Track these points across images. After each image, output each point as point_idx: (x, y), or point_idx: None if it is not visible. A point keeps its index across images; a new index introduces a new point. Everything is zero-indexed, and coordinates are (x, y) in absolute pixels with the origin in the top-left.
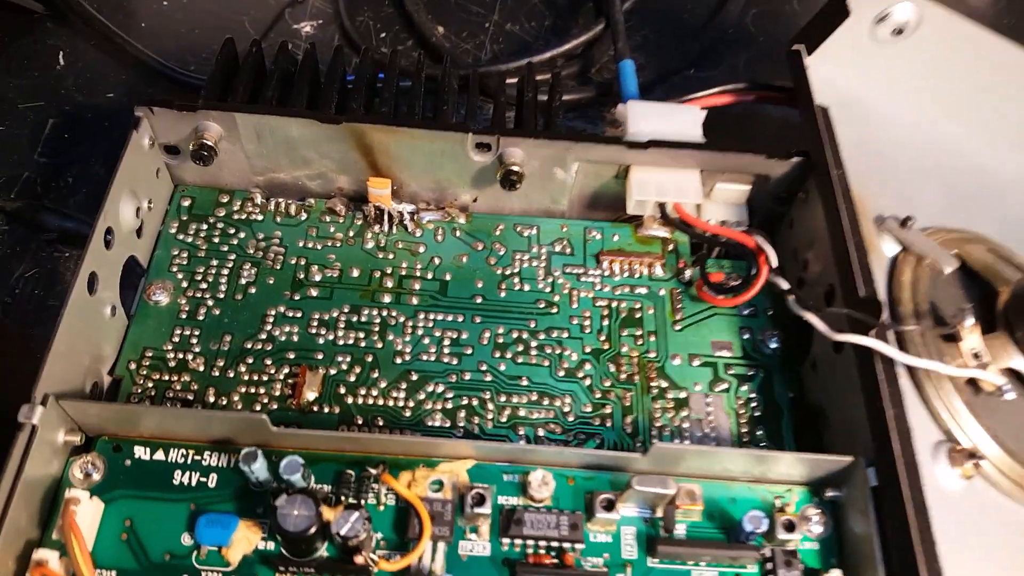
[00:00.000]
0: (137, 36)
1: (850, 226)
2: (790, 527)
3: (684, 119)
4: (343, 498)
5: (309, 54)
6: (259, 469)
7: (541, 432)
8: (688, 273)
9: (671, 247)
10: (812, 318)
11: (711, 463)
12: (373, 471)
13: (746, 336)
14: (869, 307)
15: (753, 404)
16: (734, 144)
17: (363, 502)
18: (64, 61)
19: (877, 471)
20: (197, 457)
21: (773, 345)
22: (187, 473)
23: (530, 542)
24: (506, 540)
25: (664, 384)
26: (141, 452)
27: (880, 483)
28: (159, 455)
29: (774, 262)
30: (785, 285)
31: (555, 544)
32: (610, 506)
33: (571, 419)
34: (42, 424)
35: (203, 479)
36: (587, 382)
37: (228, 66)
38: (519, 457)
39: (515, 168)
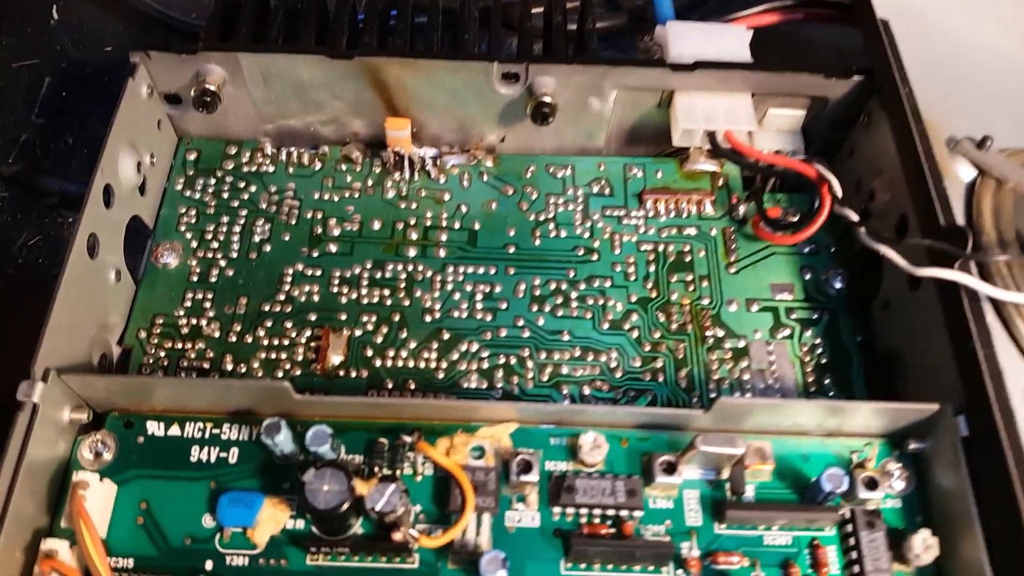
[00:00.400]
0: None
1: (923, 149)
2: (872, 484)
3: (729, 40)
4: (376, 469)
5: None
6: (283, 441)
7: (587, 390)
8: (742, 209)
9: (721, 182)
10: (888, 251)
11: (780, 417)
12: (408, 439)
13: (808, 276)
14: (953, 236)
15: (819, 351)
16: (788, 63)
17: (399, 473)
18: (58, 15)
19: (968, 419)
20: (216, 431)
21: (838, 285)
22: (205, 448)
23: (583, 511)
24: (557, 509)
25: (720, 333)
26: (155, 428)
27: (972, 433)
28: (174, 430)
29: (838, 192)
30: (853, 216)
31: (611, 512)
32: (671, 469)
33: (619, 375)
34: (44, 401)
35: (223, 454)
36: (635, 334)
37: (229, 5)
38: (566, 418)
39: (547, 99)
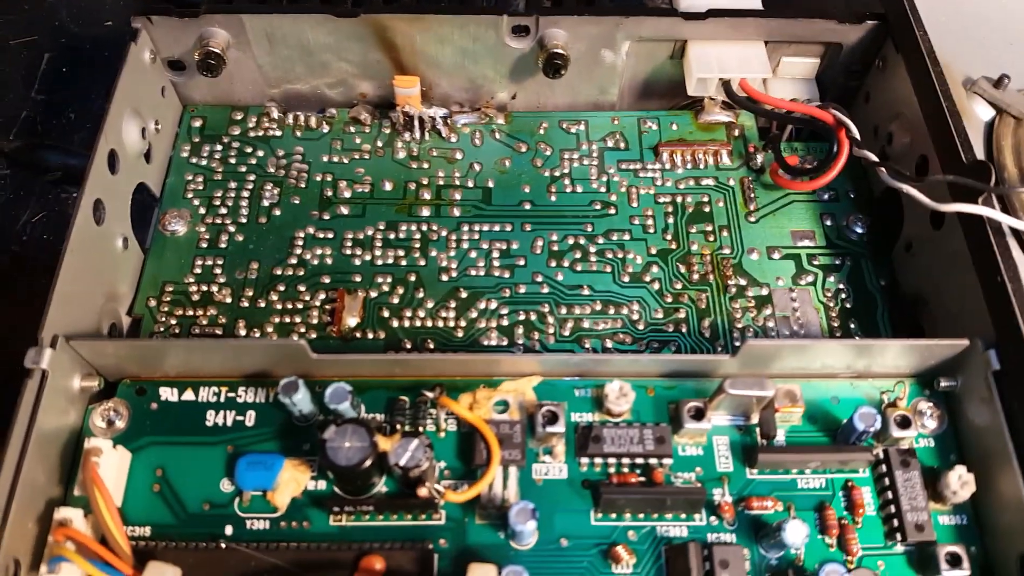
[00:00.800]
0: None
1: (941, 90)
2: (905, 423)
3: None
4: (399, 426)
5: None
6: (301, 400)
7: (609, 344)
8: (759, 159)
9: (737, 132)
10: (910, 189)
11: (808, 360)
12: (429, 395)
13: (828, 223)
14: (975, 172)
15: (843, 296)
16: (801, 9)
17: (421, 429)
18: None
19: (999, 353)
20: (231, 394)
21: (859, 230)
22: (221, 412)
23: (612, 460)
24: (585, 460)
25: (743, 282)
26: (168, 393)
27: (1004, 366)
28: (188, 395)
29: (856, 135)
30: (873, 158)
31: (640, 461)
32: (699, 415)
33: (641, 327)
34: (53, 368)
35: (240, 417)
36: (655, 286)
37: None
38: (590, 369)
39: (559, 51)
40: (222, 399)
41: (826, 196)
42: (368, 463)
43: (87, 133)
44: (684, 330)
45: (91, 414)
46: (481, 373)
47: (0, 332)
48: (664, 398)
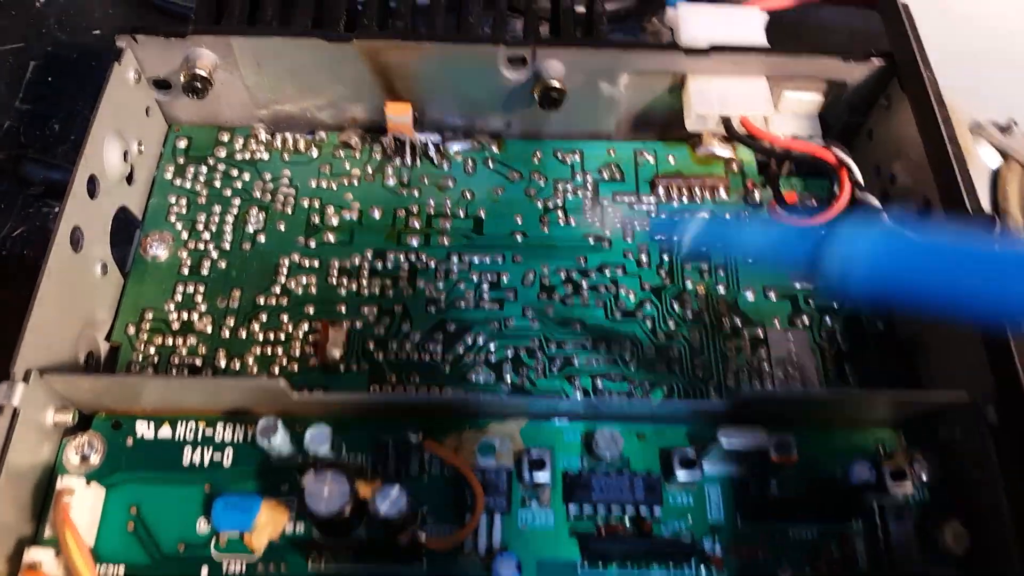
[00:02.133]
0: None
1: (947, 133)
2: (899, 475)
3: (743, 22)
4: (380, 468)
5: None
6: (280, 444)
7: (600, 383)
8: (758, 195)
9: (735, 167)
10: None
11: (802, 408)
12: (413, 437)
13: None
14: (979, 223)
15: (839, 339)
16: (806, 46)
17: (404, 472)
18: None
19: (997, 408)
20: (209, 431)
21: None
22: (199, 450)
23: (600, 509)
24: (572, 508)
25: (738, 321)
26: (144, 429)
27: (1003, 422)
28: (165, 431)
29: (858, 177)
30: (875, 203)
31: (630, 510)
32: (691, 463)
33: (633, 366)
34: (26, 404)
35: (217, 456)
36: (649, 324)
37: None
38: (580, 412)
39: (555, 84)
40: (199, 436)
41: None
42: (348, 511)
43: (71, 145)
44: (677, 370)
45: (65, 448)
46: (467, 413)
47: None
48: (656, 444)
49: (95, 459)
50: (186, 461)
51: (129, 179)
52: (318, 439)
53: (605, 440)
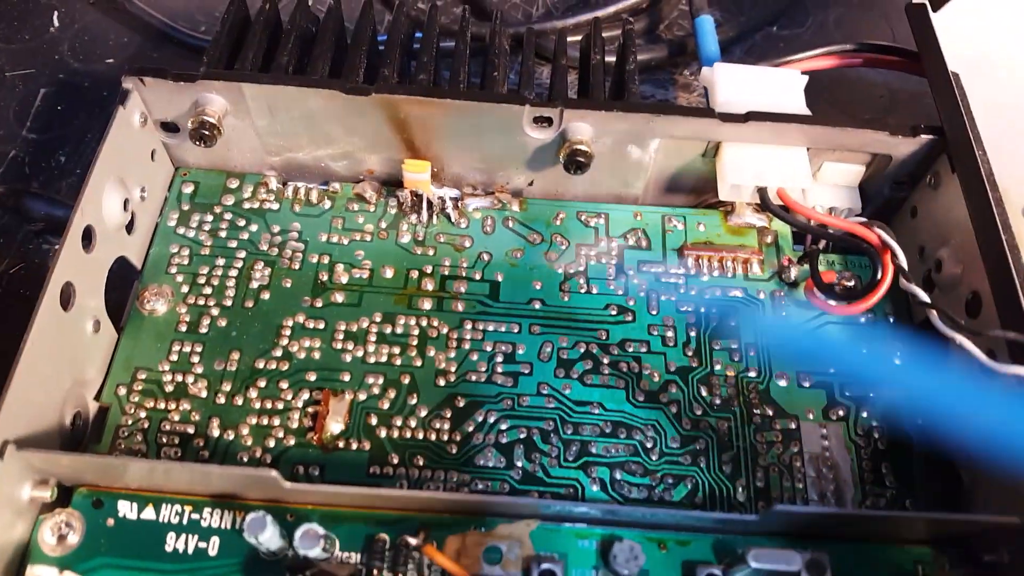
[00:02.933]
0: None
1: (1000, 219)
2: None
3: (781, 86)
4: (375, 572)
5: (332, 11)
6: (269, 539)
7: (618, 474)
8: (793, 272)
9: (769, 238)
10: (965, 342)
11: (839, 523)
12: (412, 540)
13: (864, 349)
14: None
15: (876, 435)
16: (850, 119)
17: None
18: (59, 22)
19: None
20: (195, 516)
21: (897, 360)
22: (183, 536)
23: None
24: None
25: (769, 411)
26: (127, 509)
27: None
28: (148, 513)
29: (903, 263)
30: (924, 297)
31: None
32: None
33: (655, 457)
34: (1, 480)
35: (202, 544)
36: (673, 409)
37: (237, 27)
38: (597, 518)
39: (582, 148)
40: (185, 520)
41: (863, 319)
42: None
43: (76, 179)
44: (703, 464)
45: (41, 526)
46: (472, 511)
47: None
48: (679, 556)
49: (73, 539)
50: (169, 547)
51: (129, 227)
52: (308, 540)
53: (624, 555)
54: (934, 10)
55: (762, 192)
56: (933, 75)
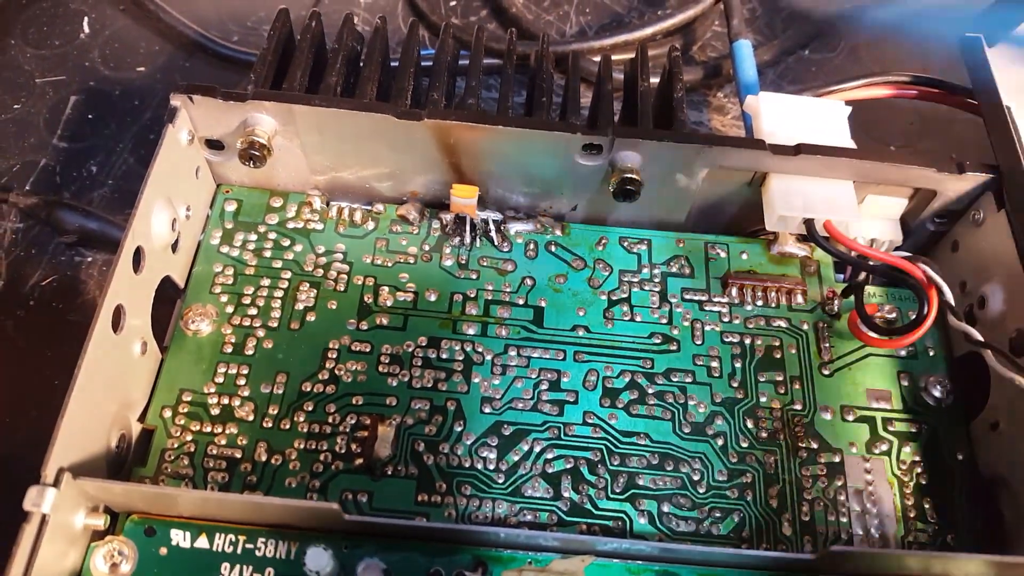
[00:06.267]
0: (173, 0)
1: None
2: None
3: (826, 116)
4: None
5: (379, 31)
6: (327, 570)
7: (666, 507)
8: (837, 304)
9: (811, 268)
10: (1021, 381)
11: (887, 563)
12: (469, 575)
13: (905, 383)
14: None
15: (918, 470)
16: (898, 154)
17: None
18: (89, 29)
19: None
20: (249, 545)
21: (937, 393)
22: (237, 567)
23: None
24: None
25: (814, 444)
26: (179, 537)
27: None
28: (202, 542)
29: (950, 299)
30: (977, 336)
31: None
32: None
33: (702, 490)
34: (56, 509)
35: (257, 574)
36: (720, 441)
37: (281, 45)
38: (649, 555)
39: (632, 176)
40: (239, 550)
41: (904, 352)
42: None
43: (108, 189)
44: (749, 497)
45: (93, 554)
46: (526, 547)
47: None
48: None
49: (126, 568)
50: None
51: (174, 246)
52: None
53: None
54: (989, 44)
55: (809, 224)
56: (987, 110)
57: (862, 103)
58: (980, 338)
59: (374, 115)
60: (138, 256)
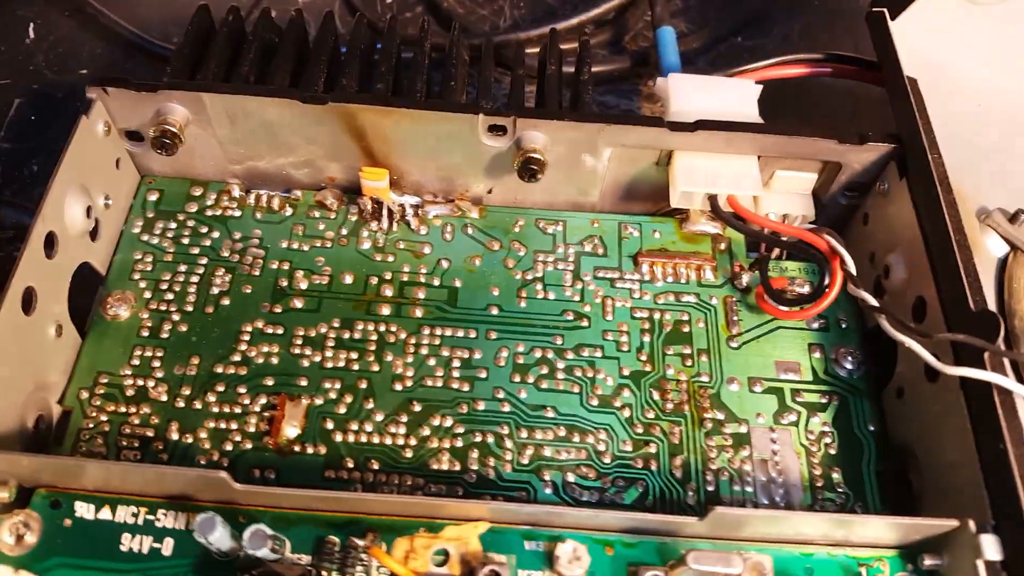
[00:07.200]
0: (115, 4)
1: (951, 222)
2: None
3: (736, 95)
4: (324, 573)
5: (294, 22)
6: (219, 539)
7: (571, 477)
8: (745, 278)
9: (723, 245)
10: (912, 344)
11: (782, 527)
12: (360, 542)
13: (816, 355)
14: (983, 325)
15: (827, 440)
16: (801, 127)
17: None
18: (35, 34)
19: (1002, 540)
20: (150, 516)
21: (849, 366)
22: (137, 537)
23: None
24: None
25: (720, 416)
26: (84, 510)
27: (1009, 556)
28: (105, 513)
29: (852, 269)
30: (872, 301)
31: None
32: None
33: (607, 460)
34: None
35: (156, 544)
36: (626, 413)
37: (200, 37)
38: (543, 520)
39: (535, 156)
40: (140, 521)
41: (815, 325)
42: None
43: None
44: (654, 467)
45: (0, 527)
46: (422, 514)
47: None
48: (624, 557)
49: (31, 539)
50: (124, 547)
51: (93, 234)
52: (256, 540)
53: (567, 556)
54: (892, 18)
55: (712, 199)
56: (890, 81)
57: (798, 87)
58: (875, 303)
59: (281, 100)
60: (51, 241)
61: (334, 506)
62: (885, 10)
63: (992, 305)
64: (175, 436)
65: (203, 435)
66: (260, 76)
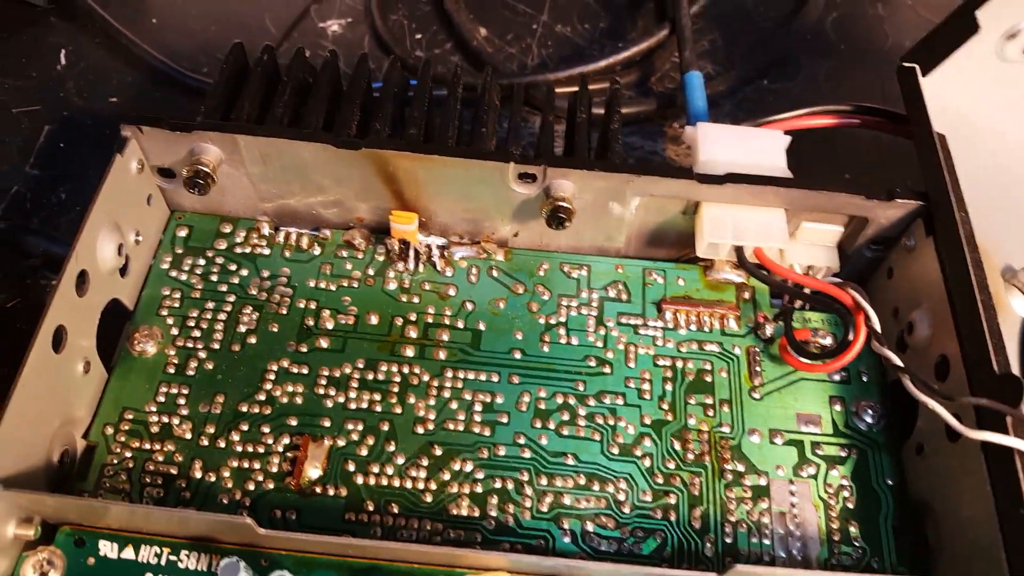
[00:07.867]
0: (146, 33)
1: (977, 280)
2: None
3: (764, 145)
4: None
5: (329, 63)
6: None
7: (590, 527)
8: (769, 329)
9: (747, 295)
10: (936, 406)
11: None
12: None
13: (837, 407)
14: (1006, 388)
15: (845, 494)
16: (830, 182)
17: None
18: (66, 61)
19: None
20: (173, 557)
21: (869, 419)
22: None
23: None
24: None
25: (740, 467)
26: (108, 548)
27: None
28: (128, 553)
29: (876, 326)
30: (897, 361)
31: None
32: None
33: (626, 510)
34: None
35: None
36: (646, 463)
37: (235, 75)
38: (563, 572)
39: (564, 204)
40: (163, 562)
41: (837, 377)
42: None
43: (75, 216)
44: (673, 518)
45: (23, 564)
46: (441, 563)
47: None
48: None
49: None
50: None
51: (123, 270)
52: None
53: None
54: (923, 74)
55: (739, 251)
56: (919, 136)
57: (825, 134)
58: (899, 363)
59: (314, 144)
60: (83, 279)
61: (355, 552)
62: (916, 66)
63: (1015, 366)
64: (198, 474)
65: (226, 474)
66: (294, 117)
